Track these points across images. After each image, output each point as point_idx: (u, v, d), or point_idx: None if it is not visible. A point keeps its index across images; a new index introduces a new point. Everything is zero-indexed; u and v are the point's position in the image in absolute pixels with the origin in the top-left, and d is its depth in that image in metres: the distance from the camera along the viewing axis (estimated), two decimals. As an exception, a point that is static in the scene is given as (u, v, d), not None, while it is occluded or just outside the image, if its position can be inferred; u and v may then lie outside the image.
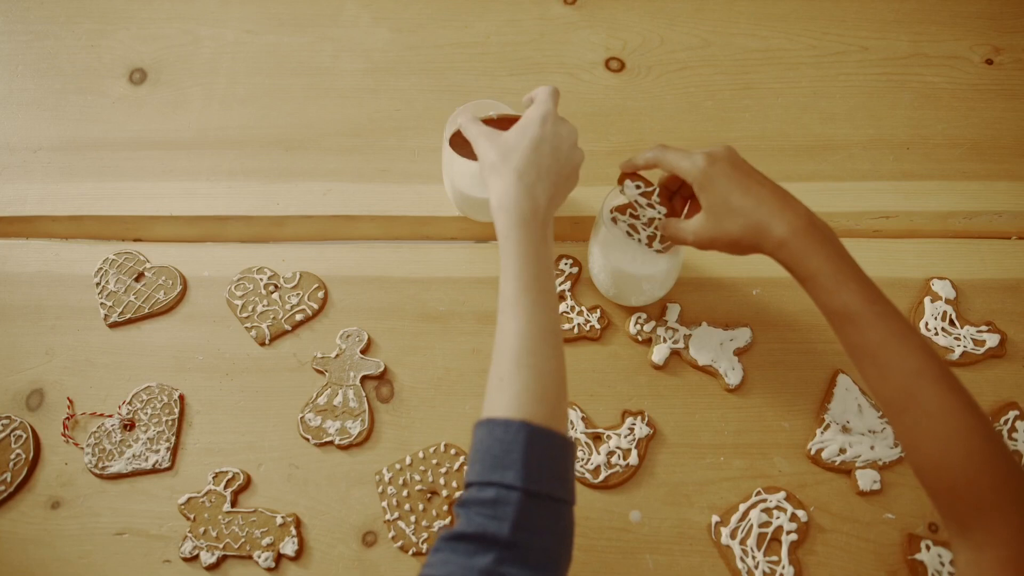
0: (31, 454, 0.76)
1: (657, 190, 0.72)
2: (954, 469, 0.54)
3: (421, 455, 0.75)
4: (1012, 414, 0.75)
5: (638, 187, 0.72)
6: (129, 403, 0.78)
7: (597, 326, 0.80)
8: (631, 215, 0.73)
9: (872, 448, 0.74)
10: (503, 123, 0.70)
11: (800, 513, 0.72)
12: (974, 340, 0.78)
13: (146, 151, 0.91)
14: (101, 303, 0.83)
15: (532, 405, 0.55)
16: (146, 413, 0.77)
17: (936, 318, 0.79)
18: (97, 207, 0.87)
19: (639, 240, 0.72)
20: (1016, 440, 0.74)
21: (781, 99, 0.92)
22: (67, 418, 0.77)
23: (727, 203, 0.63)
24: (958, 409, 0.55)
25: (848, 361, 0.78)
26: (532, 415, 0.55)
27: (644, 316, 0.80)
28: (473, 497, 0.53)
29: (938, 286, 0.81)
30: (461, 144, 0.72)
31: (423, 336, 0.81)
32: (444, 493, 0.73)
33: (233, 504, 0.74)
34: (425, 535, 0.72)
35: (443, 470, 0.74)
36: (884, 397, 0.58)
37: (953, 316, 0.79)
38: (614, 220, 0.73)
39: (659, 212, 0.71)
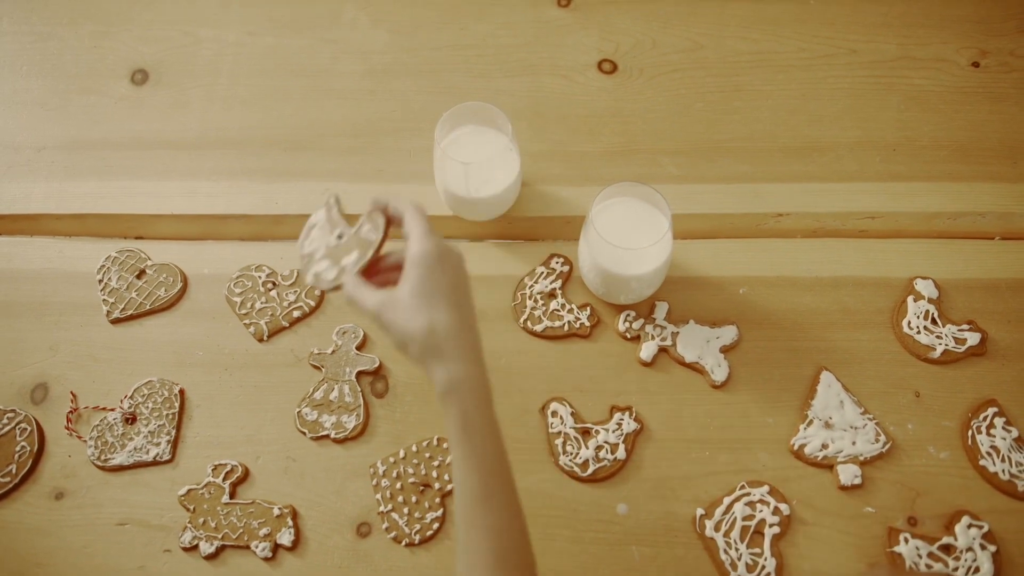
0: (35, 446, 0.78)
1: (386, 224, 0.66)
2: None
3: (414, 449, 0.77)
4: (991, 411, 0.77)
5: (372, 222, 0.66)
6: (131, 397, 0.80)
7: (587, 324, 0.82)
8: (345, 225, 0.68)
9: (854, 443, 0.76)
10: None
11: (783, 507, 0.74)
12: (955, 338, 0.80)
13: (148, 151, 0.92)
14: (103, 300, 0.85)
15: None
16: (147, 407, 0.79)
17: (919, 317, 0.81)
18: (100, 206, 0.89)
19: (330, 245, 0.68)
20: (994, 436, 0.76)
21: (770, 101, 0.94)
22: (70, 412, 0.79)
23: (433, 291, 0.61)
24: None
25: (831, 359, 0.80)
26: None
27: (633, 314, 0.82)
28: None
29: (921, 285, 0.83)
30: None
31: (417, 333, 0.83)
32: (436, 486, 0.75)
33: (232, 496, 0.76)
34: (418, 527, 0.74)
35: (436, 463, 0.76)
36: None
37: (935, 315, 0.81)
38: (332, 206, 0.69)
39: (376, 237, 0.65)
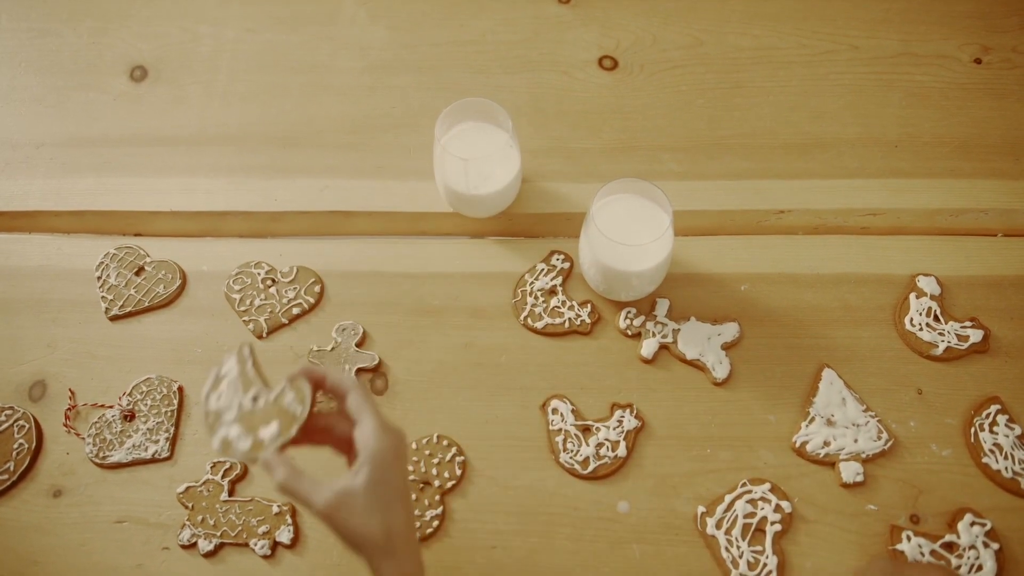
0: (33, 444, 0.78)
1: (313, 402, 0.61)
2: None
3: (414, 446, 0.77)
4: (994, 408, 0.77)
5: (296, 391, 0.61)
6: (129, 394, 0.79)
7: (588, 320, 0.81)
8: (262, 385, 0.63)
9: (856, 441, 0.75)
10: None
11: (784, 504, 0.73)
12: (958, 335, 0.80)
13: (146, 147, 0.92)
14: (102, 296, 0.84)
15: None
16: (146, 404, 0.79)
17: (921, 314, 0.81)
18: (98, 202, 0.89)
19: (236, 410, 0.61)
20: (996, 433, 0.75)
21: (771, 97, 0.93)
22: (69, 409, 0.79)
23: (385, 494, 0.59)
24: None
25: (833, 356, 0.80)
26: None
27: (633, 311, 0.82)
28: None
29: (923, 282, 0.82)
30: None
31: (417, 330, 0.82)
32: (436, 483, 0.75)
33: (230, 493, 0.76)
34: (418, 524, 0.74)
35: (436, 461, 0.76)
36: None
37: (938, 312, 0.81)
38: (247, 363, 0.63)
39: (301, 411, 0.60)
